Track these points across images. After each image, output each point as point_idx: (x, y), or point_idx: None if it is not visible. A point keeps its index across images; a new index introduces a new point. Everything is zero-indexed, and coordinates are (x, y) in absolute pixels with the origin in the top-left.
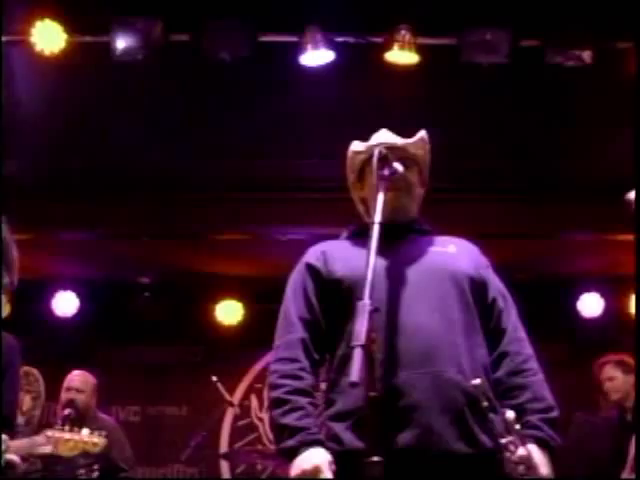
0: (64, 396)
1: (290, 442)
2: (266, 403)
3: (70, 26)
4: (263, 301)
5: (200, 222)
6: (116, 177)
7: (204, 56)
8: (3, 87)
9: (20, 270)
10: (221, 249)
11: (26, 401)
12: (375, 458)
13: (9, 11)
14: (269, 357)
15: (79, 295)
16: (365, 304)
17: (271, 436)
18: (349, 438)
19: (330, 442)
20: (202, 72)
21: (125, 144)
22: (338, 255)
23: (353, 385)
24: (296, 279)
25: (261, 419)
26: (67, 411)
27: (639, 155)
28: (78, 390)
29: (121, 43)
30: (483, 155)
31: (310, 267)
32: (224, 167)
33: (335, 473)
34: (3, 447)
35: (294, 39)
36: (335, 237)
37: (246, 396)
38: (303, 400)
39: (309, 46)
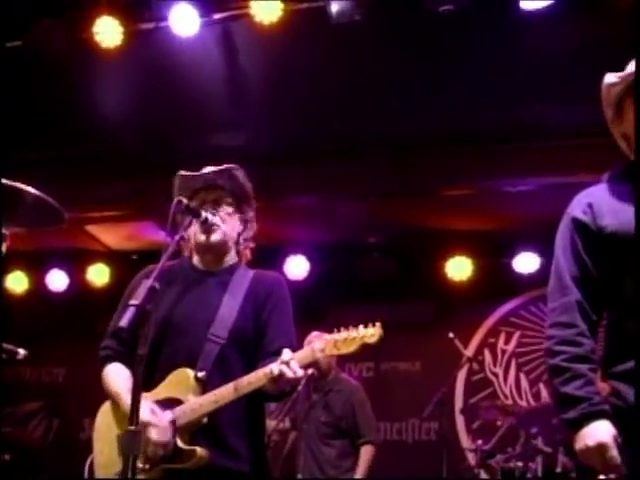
0: None
1: (572, 413)
2: (500, 357)
3: None
4: (493, 256)
5: (427, 178)
6: (344, 139)
7: (423, 10)
8: None
9: (253, 236)
10: (449, 204)
11: None
12: None
13: None
14: (503, 310)
15: (309, 258)
16: None
17: (506, 391)
18: (634, 396)
19: (612, 397)
20: (421, 26)
21: (349, 106)
22: (606, 207)
23: None
24: (564, 235)
25: (495, 374)
26: (310, 371)
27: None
28: None
29: (335, 6)
30: None
31: (577, 222)
32: (448, 121)
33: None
34: (287, 357)
35: None
36: (565, 186)
37: (479, 351)
38: (583, 367)
39: None
